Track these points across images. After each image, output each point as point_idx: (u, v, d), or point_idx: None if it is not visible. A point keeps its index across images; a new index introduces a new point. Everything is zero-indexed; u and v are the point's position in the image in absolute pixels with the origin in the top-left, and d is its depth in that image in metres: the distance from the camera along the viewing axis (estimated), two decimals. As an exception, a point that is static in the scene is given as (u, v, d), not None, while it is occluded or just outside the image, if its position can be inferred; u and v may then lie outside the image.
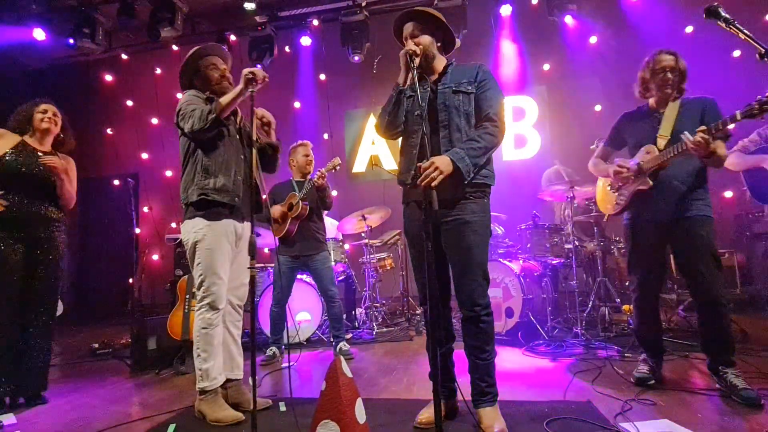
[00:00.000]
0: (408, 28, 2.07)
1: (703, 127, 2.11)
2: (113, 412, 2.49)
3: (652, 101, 2.51)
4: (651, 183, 2.38)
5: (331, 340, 3.66)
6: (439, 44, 2.10)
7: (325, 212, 5.28)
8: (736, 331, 3.23)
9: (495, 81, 2.02)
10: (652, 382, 2.42)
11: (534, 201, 4.79)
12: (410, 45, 1.94)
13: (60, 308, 4.46)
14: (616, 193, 2.60)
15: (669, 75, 2.36)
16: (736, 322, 3.56)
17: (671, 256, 2.53)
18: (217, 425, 2.16)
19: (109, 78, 7.46)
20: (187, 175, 2.36)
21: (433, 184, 1.71)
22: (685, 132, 2.17)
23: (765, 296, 3.89)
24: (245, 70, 2.12)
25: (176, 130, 2.40)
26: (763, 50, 1.56)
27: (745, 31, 1.63)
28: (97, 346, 4.29)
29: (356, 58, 6.00)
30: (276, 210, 3.57)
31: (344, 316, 3.77)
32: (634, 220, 2.54)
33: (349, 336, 4.34)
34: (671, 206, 2.34)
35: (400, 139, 2.17)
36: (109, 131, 7.76)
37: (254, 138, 2.07)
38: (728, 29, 1.67)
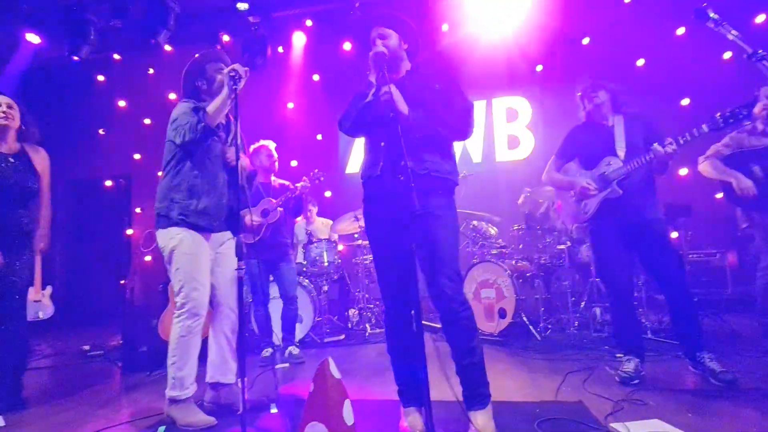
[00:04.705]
0: (376, 30, 2.07)
1: (670, 139, 2.37)
2: (103, 414, 2.47)
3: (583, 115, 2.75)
4: (621, 191, 2.53)
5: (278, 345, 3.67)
6: (406, 47, 2.12)
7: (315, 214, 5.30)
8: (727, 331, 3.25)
9: None
10: (637, 381, 2.46)
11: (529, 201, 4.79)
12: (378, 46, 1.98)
13: (51, 310, 4.44)
14: (582, 204, 2.73)
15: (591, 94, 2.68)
16: (727, 322, 3.60)
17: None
18: (187, 430, 2.14)
19: (101, 78, 7.40)
20: (168, 185, 2.31)
21: None
22: (656, 143, 2.39)
23: (755, 296, 3.91)
24: (225, 69, 2.10)
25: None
26: (750, 50, 1.56)
27: (733, 31, 1.64)
28: (88, 347, 4.26)
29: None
30: (248, 214, 3.54)
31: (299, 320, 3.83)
32: (600, 227, 2.67)
33: (342, 336, 4.33)
34: (634, 211, 2.54)
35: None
36: (101, 132, 7.70)
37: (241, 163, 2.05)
38: (716, 30, 1.68)
